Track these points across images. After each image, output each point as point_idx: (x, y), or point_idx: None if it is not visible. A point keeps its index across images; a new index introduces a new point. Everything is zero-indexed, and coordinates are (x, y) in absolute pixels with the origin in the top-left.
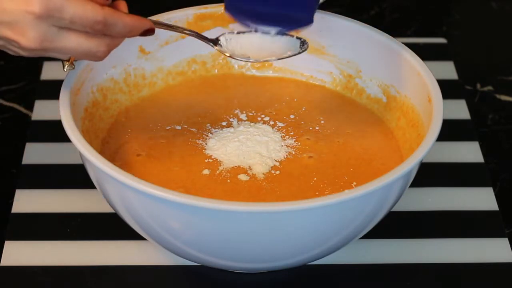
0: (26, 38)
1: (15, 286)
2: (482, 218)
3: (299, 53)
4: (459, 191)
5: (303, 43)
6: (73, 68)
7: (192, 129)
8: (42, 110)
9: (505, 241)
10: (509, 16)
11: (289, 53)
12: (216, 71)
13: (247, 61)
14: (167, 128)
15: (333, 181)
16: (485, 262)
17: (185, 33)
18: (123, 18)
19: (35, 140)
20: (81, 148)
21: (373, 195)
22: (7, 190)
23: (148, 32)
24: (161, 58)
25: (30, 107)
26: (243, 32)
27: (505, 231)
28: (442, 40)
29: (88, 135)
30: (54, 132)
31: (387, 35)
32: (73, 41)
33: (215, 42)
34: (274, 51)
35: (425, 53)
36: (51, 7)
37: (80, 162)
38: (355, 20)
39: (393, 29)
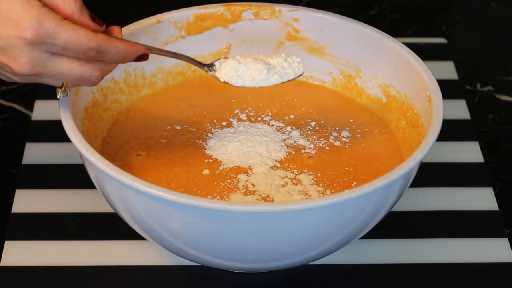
0: (18, 64)
1: (15, 286)
2: (482, 218)
3: (296, 77)
4: (459, 191)
5: (299, 66)
6: (66, 95)
7: (192, 129)
8: (42, 110)
9: (505, 241)
10: (509, 16)
11: (286, 78)
12: None
13: (243, 86)
14: (167, 128)
15: (333, 181)
16: (485, 262)
17: (179, 58)
18: (117, 45)
19: (35, 140)
20: (81, 148)
21: (373, 195)
22: (7, 190)
23: (142, 57)
24: (161, 58)
25: (30, 107)
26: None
27: (505, 231)
28: (442, 40)
29: (88, 135)
30: (54, 132)
31: (387, 35)
32: (65, 67)
33: (209, 66)
34: (271, 76)
35: (425, 53)
36: (43, 33)
37: (80, 162)
38: (355, 20)
39: (393, 29)
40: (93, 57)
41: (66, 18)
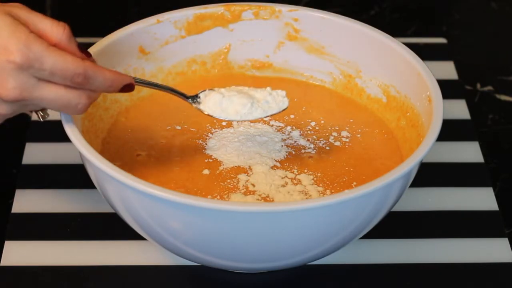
0: (6, 88)
1: (15, 286)
2: (482, 218)
3: (280, 111)
4: (459, 191)
5: (284, 100)
6: (47, 116)
7: (192, 129)
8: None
9: (505, 241)
10: (509, 16)
11: (270, 113)
12: (216, 71)
13: (226, 119)
14: (167, 128)
15: (333, 181)
16: (485, 262)
17: (164, 90)
18: (104, 72)
19: (35, 140)
20: (81, 148)
21: (373, 195)
22: (7, 190)
23: (128, 87)
24: (161, 58)
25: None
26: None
27: (505, 231)
28: (442, 40)
29: (88, 135)
30: (54, 132)
31: (387, 35)
32: (52, 93)
33: (194, 98)
34: (254, 109)
35: (425, 53)
36: (31, 57)
37: (80, 162)
38: (355, 20)
39: (393, 29)
40: (80, 83)
41: (54, 45)
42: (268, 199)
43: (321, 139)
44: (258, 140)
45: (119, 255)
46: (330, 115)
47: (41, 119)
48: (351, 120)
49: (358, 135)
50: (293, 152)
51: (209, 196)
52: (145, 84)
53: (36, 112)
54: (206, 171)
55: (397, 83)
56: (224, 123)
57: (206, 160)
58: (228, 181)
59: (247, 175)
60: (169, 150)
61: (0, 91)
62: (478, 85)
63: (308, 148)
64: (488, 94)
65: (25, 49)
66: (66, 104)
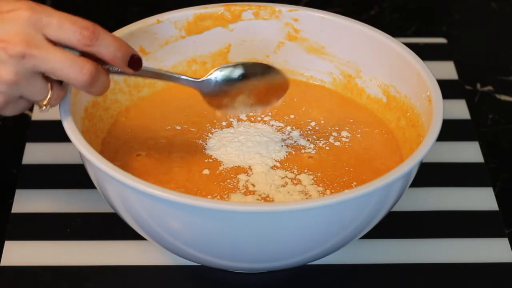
0: (13, 42)
1: (15, 286)
2: (482, 218)
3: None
4: (459, 191)
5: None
6: (49, 107)
7: (192, 129)
8: None
9: (505, 241)
10: (509, 16)
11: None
12: None
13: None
14: (167, 128)
15: (333, 181)
16: (485, 262)
17: (170, 79)
18: (112, 34)
19: (35, 140)
20: (81, 148)
21: (373, 195)
22: (7, 190)
23: (135, 62)
24: (161, 58)
25: (30, 107)
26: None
27: (505, 231)
28: (442, 40)
29: (88, 135)
30: (54, 132)
31: (387, 35)
32: (59, 53)
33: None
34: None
35: (425, 53)
36: (39, 9)
37: (80, 162)
38: (355, 20)
39: (393, 29)
40: (89, 39)
41: None
42: (268, 199)
43: (321, 139)
44: (258, 140)
45: (119, 255)
46: (330, 115)
47: (44, 108)
48: (351, 120)
49: (358, 135)
50: (293, 152)
51: (209, 196)
52: (149, 73)
53: (39, 104)
54: (206, 171)
55: (397, 83)
56: (224, 123)
57: (206, 160)
58: (228, 181)
59: (247, 175)
60: (169, 150)
61: (7, 45)
62: (478, 85)
63: (308, 148)
64: (488, 94)
65: (33, 3)
66: (71, 65)
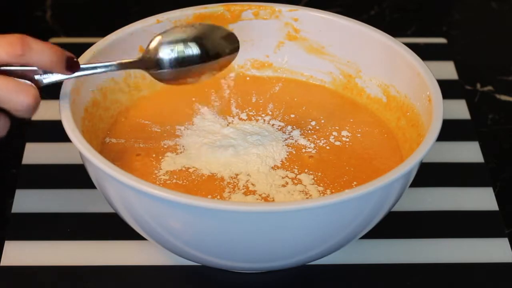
0: None
1: (15, 286)
2: (482, 218)
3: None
4: (459, 191)
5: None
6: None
7: (192, 129)
8: (42, 110)
9: (505, 241)
10: (509, 16)
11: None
12: None
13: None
14: (167, 128)
15: (333, 180)
16: (485, 262)
17: (114, 69)
18: (42, 41)
19: (35, 140)
20: (81, 148)
21: (373, 195)
22: (7, 190)
23: (72, 63)
24: None
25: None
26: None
27: (505, 231)
28: (442, 40)
29: (88, 135)
30: (54, 132)
31: (387, 35)
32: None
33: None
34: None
35: (425, 53)
36: None
37: (80, 162)
38: (355, 20)
39: (393, 29)
40: (21, 51)
41: None
42: (268, 199)
43: (321, 139)
44: (258, 140)
45: (119, 255)
46: (330, 115)
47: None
48: (351, 120)
49: (358, 135)
50: (294, 152)
51: (209, 196)
52: (89, 69)
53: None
54: (206, 171)
55: (397, 83)
56: (224, 123)
57: (206, 160)
58: (229, 181)
59: (247, 175)
60: (169, 150)
61: None
62: (478, 85)
63: (309, 147)
64: (488, 94)
65: None
66: (16, 90)
